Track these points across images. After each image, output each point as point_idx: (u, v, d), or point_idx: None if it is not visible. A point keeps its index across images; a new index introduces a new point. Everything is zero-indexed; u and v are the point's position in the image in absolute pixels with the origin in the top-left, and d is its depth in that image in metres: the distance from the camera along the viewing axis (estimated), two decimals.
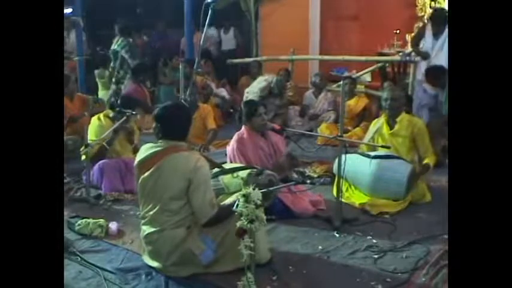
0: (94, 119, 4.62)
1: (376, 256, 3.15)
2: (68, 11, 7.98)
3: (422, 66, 5.75)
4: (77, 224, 3.55)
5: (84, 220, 3.59)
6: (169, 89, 7.80)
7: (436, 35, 5.59)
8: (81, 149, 4.34)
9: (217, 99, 7.57)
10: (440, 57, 5.53)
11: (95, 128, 4.46)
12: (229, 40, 9.50)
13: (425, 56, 5.70)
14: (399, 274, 2.93)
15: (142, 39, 9.51)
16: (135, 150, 4.61)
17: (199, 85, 6.83)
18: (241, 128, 4.25)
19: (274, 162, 4.12)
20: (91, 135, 4.35)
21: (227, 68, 8.67)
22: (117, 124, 4.38)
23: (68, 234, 3.46)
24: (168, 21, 9.70)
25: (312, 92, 7.01)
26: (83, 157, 4.39)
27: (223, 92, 7.79)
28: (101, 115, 4.67)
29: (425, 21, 8.12)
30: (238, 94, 7.93)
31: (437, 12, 5.85)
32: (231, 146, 4.13)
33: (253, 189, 2.46)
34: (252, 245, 2.42)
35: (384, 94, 4.41)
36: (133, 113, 5.03)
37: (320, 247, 3.29)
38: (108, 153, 4.48)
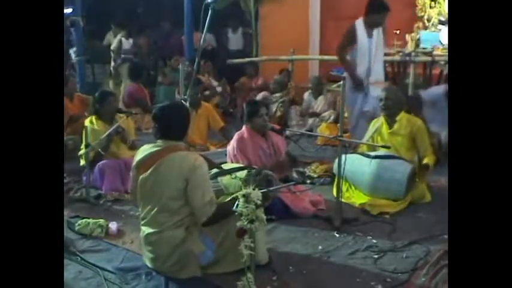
0: (87, 122, 4.50)
1: (376, 256, 3.15)
2: (68, 11, 7.99)
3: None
4: (77, 224, 3.55)
5: (84, 220, 3.60)
6: (169, 89, 7.81)
7: (370, 33, 5.03)
8: (81, 152, 4.34)
9: (217, 98, 7.63)
10: (379, 57, 5.09)
11: (89, 132, 4.32)
12: (237, 40, 9.44)
13: (359, 81, 5.02)
14: (399, 274, 2.93)
15: (148, 39, 9.56)
16: (133, 148, 4.61)
17: (203, 85, 6.89)
18: (241, 128, 4.26)
19: (274, 161, 4.12)
20: (86, 139, 4.26)
21: (230, 68, 8.68)
22: (110, 130, 4.36)
23: (68, 234, 3.46)
24: (168, 21, 9.71)
25: (310, 92, 7.02)
26: (82, 162, 4.40)
27: (217, 86, 7.87)
28: (93, 118, 4.57)
29: (425, 21, 8.13)
30: (237, 94, 7.97)
31: (373, 1, 5.04)
32: (231, 145, 4.13)
33: (253, 189, 2.46)
34: (252, 245, 2.42)
35: (381, 94, 4.41)
36: (134, 112, 5.05)
37: (320, 247, 3.29)
38: (105, 157, 4.44)
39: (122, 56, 8.32)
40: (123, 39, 8.42)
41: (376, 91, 4.84)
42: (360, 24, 5.06)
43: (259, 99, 6.10)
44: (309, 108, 6.95)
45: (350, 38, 5.09)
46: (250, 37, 9.17)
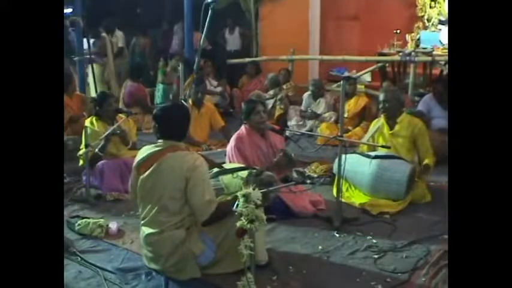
0: (87, 123, 4.49)
1: (376, 256, 3.16)
2: (68, 11, 7.98)
3: None
4: (77, 224, 3.55)
5: (84, 220, 3.60)
6: (170, 88, 7.81)
7: None
8: (80, 152, 4.34)
9: (216, 98, 7.61)
10: None
11: (89, 133, 4.29)
12: (234, 40, 9.43)
13: None
14: (399, 274, 2.93)
15: (149, 37, 9.54)
16: (133, 148, 4.60)
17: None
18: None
19: (270, 161, 4.11)
20: (86, 140, 4.24)
21: (230, 68, 8.67)
22: (108, 131, 4.35)
23: (68, 234, 3.47)
24: (168, 21, 9.72)
25: (310, 94, 6.99)
26: (81, 162, 4.40)
27: (216, 86, 7.85)
28: (93, 119, 4.57)
29: (425, 21, 8.13)
30: (239, 94, 7.95)
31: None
32: (230, 145, 4.13)
33: (253, 189, 2.46)
34: (252, 245, 2.42)
35: (380, 96, 4.39)
36: (133, 112, 5.05)
37: (320, 247, 3.29)
38: (104, 157, 4.44)
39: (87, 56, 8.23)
40: (84, 39, 8.34)
41: None
42: None
43: (255, 98, 6.10)
44: (309, 109, 6.94)
45: None
46: (248, 38, 9.16)
